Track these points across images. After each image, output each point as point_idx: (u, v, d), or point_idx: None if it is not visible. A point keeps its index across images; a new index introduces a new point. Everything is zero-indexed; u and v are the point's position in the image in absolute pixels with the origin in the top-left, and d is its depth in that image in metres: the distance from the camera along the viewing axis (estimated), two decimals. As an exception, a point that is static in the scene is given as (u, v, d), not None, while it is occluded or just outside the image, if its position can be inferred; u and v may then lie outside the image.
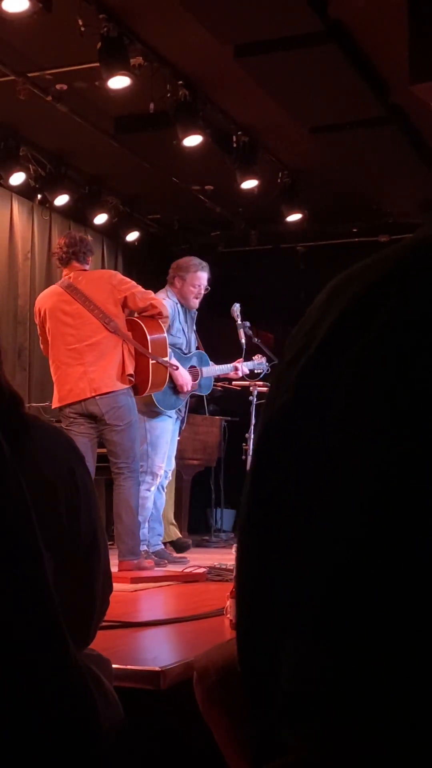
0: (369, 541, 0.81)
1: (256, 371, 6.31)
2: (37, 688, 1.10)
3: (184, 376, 5.80)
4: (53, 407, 5.41)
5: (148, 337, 5.35)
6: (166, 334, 5.50)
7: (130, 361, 5.23)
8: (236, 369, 6.24)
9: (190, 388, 5.84)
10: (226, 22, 5.72)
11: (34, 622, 1.12)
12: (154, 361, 5.31)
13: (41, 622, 1.13)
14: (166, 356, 5.44)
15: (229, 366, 6.25)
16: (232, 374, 6.30)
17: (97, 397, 5.11)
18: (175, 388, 5.76)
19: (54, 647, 1.14)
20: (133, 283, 5.39)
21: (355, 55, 6.14)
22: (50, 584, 1.14)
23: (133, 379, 5.22)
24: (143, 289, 5.38)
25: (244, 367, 6.26)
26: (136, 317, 5.42)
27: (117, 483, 5.17)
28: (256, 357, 6.33)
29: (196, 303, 6.03)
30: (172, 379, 5.69)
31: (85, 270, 5.37)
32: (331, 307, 0.90)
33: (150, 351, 5.31)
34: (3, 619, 1.08)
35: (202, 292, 6.02)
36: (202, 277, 6.00)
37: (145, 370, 5.32)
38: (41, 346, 5.53)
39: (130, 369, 5.20)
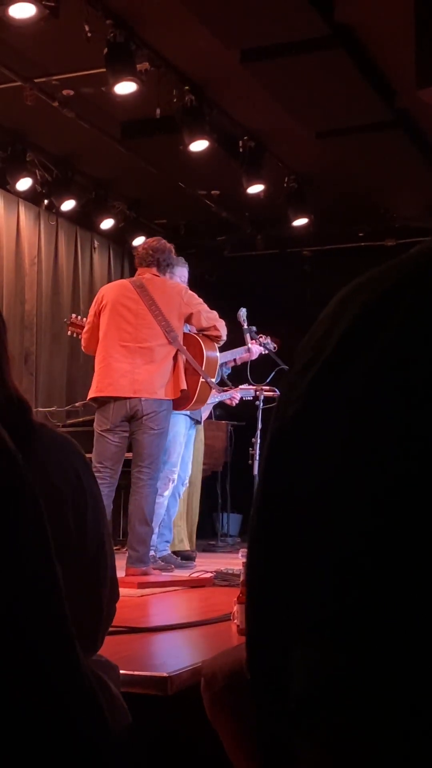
0: (379, 546, 0.81)
1: (264, 352, 6.37)
2: (46, 695, 1.10)
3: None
4: (88, 398, 5.34)
5: (204, 354, 5.38)
6: (218, 354, 5.53)
7: (184, 375, 5.22)
8: (251, 350, 6.27)
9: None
10: (232, 27, 5.72)
11: (45, 629, 1.12)
12: (203, 380, 5.33)
13: (52, 630, 1.13)
14: (214, 376, 5.49)
15: (241, 349, 6.26)
16: (245, 356, 6.31)
17: (142, 399, 5.08)
18: None
19: (64, 655, 1.14)
20: (201, 300, 5.40)
21: (361, 59, 6.14)
22: (62, 593, 1.15)
23: (183, 393, 5.22)
24: (209, 309, 5.40)
25: (257, 347, 6.29)
26: (195, 333, 5.44)
27: (135, 488, 5.08)
28: (262, 336, 6.35)
29: None
30: None
31: (157, 277, 5.34)
32: (343, 315, 0.90)
33: (203, 369, 5.34)
34: (16, 627, 1.08)
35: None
36: (185, 271, 5.99)
37: (192, 387, 5.31)
38: (83, 336, 5.42)
39: (184, 384, 5.19)
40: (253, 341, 6.29)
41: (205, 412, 6.53)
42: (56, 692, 1.12)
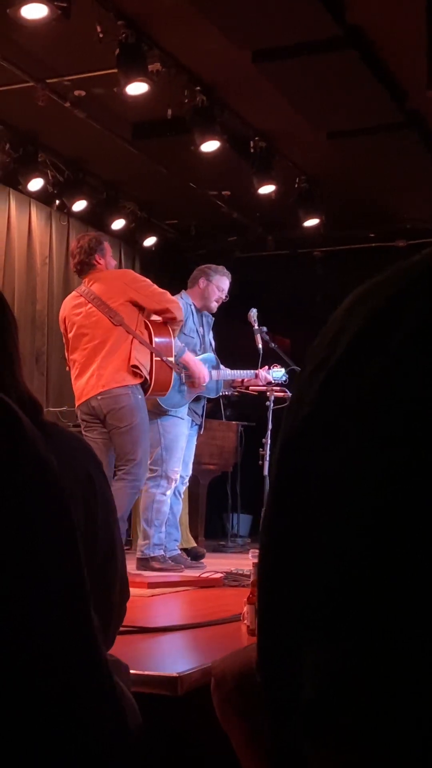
0: (388, 549, 0.80)
1: (274, 382, 6.26)
2: (68, 690, 1.10)
3: (200, 368, 5.75)
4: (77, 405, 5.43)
5: (154, 340, 5.36)
6: (172, 339, 5.49)
7: (137, 353, 5.21)
8: (257, 375, 6.20)
9: (202, 383, 5.78)
10: (243, 28, 5.72)
11: (69, 625, 1.12)
12: (158, 359, 5.31)
13: (76, 626, 1.13)
14: (171, 356, 5.43)
15: (248, 372, 6.21)
16: (252, 380, 6.25)
17: (99, 396, 5.15)
18: (181, 388, 5.72)
19: (88, 653, 1.14)
20: (147, 282, 5.39)
21: (372, 60, 6.13)
22: (88, 591, 1.15)
23: (139, 371, 5.19)
24: (159, 290, 5.38)
25: (267, 375, 6.21)
26: (151, 320, 5.43)
27: (114, 487, 5.14)
28: (275, 366, 6.29)
29: (215, 306, 6.02)
30: (180, 380, 5.68)
31: (99, 271, 5.37)
32: (353, 317, 0.90)
33: (154, 348, 5.32)
34: (44, 623, 1.08)
35: (224, 298, 6.02)
36: (227, 283, 6.02)
37: (151, 370, 5.32)
38: (66, 355, 5.54)
39: (135, 360, 5.18)
40: (263, 368, 6.20)
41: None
42: (79, 687, 1.12)
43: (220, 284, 5.99)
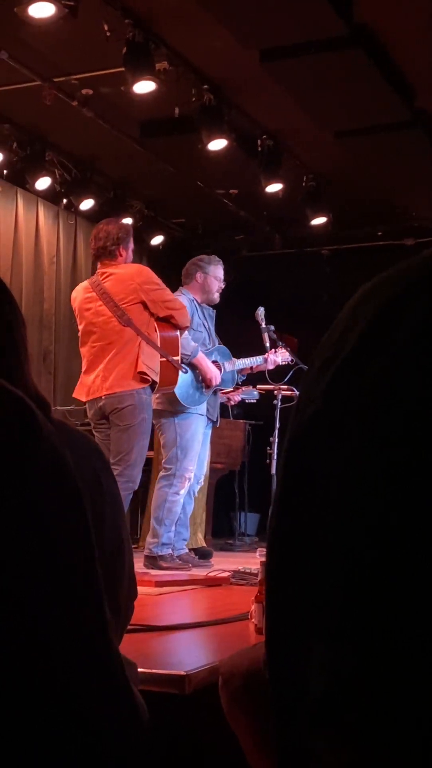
0: (394, 547, 0.80)
1: (282, 363, 6.34)
2: (81, 683, 1.11)
3: (211, 370, 5.77)
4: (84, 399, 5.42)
5: (158, 335, 5.34)
6: (178, 333, 5.48)
7: (145, 356, 5.18)
8: (266, 360, 6.23)
9: (214, 384, 5.80)
10: (251, 27, 5.72)
11: (85, 622, 1.12)
12: (163, 359, 5.30)
13: (93, 623, 1.14)
14: (177, 356, 5.42)
15: (258, 358, 6.23)
16: (261, 366, 6.29)
17: (104, 396, 5.15)
18: (199, 384, 5.72)
19: (102, 648, 1.15)
20: (159, 285, 5.34)
21: (380, 59, 6.12)
22: (102, 586, 1.15)
23: (147, 377, 5.17)
24: (167, 296, 5.35)
25: (276, 357, 6.25)
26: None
27: None
28: (279, 349, 6.33)
29: (217, 297, 6.03)
30: (195, 377, 5.68)
31: (115, 264, 5.34)
32: (360, 316, 0.90)
33: (161, 348, 5.31)
34: (58, 617, 1.09)
35: (222, 286, 6.04)
36: (222, 270, 6.05)
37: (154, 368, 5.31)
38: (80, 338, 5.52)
39: (142, 366, 5.14)
40: (271, 351, 6.26)
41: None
42: (93, 682, 1.12)
43: (217, 274, 6.00)
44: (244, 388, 6.60)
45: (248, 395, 6.61)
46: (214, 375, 5.76)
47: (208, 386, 5.77)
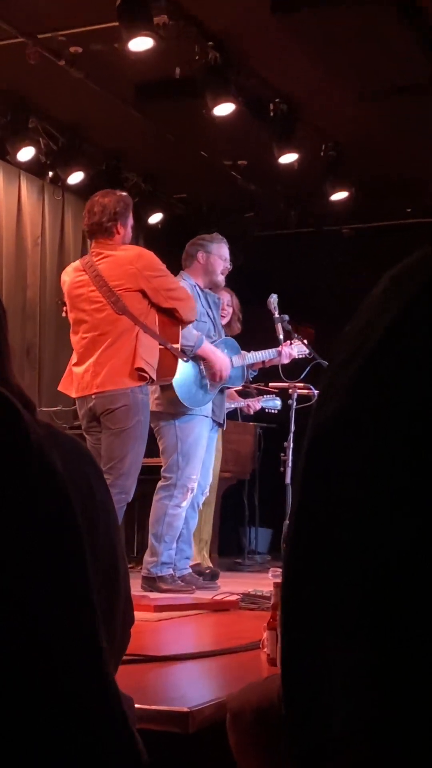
0: (424, 560, 0.81)
1: (298, 356, 6.33)
2: (76, 713, 1.11)
3: (219, 360, 5.75)
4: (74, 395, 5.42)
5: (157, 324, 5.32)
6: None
7: (144, 349, 5.14)
8: (280, 353, 6.22)
9: (225, 376, 5.77)
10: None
11: (78, 647, 1.13)
12: (161, 346, 5.28)
13: (86, 649, 1.14)
14: (177, 344, 5.39)
15: (271, 351, 6.22)
16: (275, 360, 6.28)
17: (94, 395, 5.15)
18: (203, 382, 5.70)
19: (97, 677, 1.15)
20: (162, 271, 5.31)
21: (409, 11, 6.11)
22: (97, 608, 1.16)
23: (145, 374, 5.13)
24: (171, 284, 5.32)
25: (291, 350, 6.24)
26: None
27: None
28: (295, 341, 6.33)
29: (222, 280, 6.03)
30: (200, 372, 5.66)
31: (112, 245, 5.31)
32: (390, 303, 0.90)
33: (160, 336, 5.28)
34: (48, 641, 1.09)
35: (229, 267, 6.03)
36: (227, 249, 6.03)
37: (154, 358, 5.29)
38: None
39: (140, 362, 5.10)
40: (285, 344, 6.26)
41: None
42: (89, 715, 1.13)
43: (221, 253, 5.99)
44: (265, 396, 6.60)
45: (269, 403, 6.60)
46: (224, 366, 5.74)
47: (219, 379, 5.74)
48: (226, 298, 6.45)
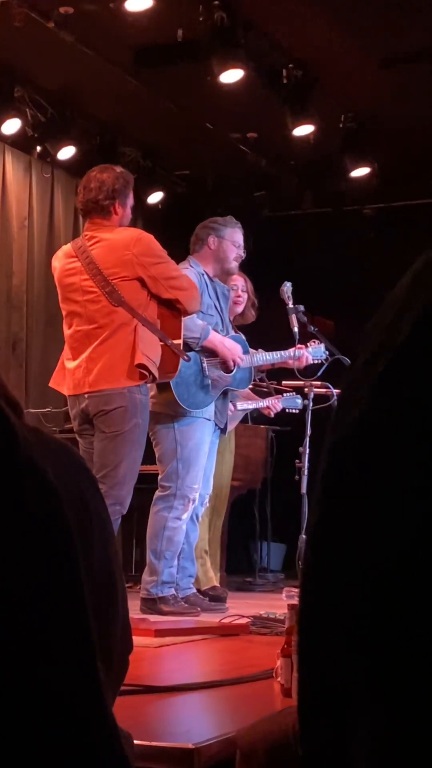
0: None
1: (314, 362, 6.31)
2: (71, 743, 1.12)
3: (229, 349, 5.76)
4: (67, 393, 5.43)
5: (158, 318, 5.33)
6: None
7: (144, 344, 5.12)
8: (300, 357, 6.20)
9: (237, 364, 5.77)
10: None
11: (73, 675, 1.14)
12: (162, 343, 5.24)
13: (82, 677, 1.15)
14: (179, 339, 5.37)
15: (287, 353, 6.20)
16: (290, 362, 6.26)
17: (87, 395, 5.14)
18: (204, 381, 5.68)
19: (94, 707, 1.16)
20: (162, 257, 5.29)
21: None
22: (93, 632, 1.16)
23: (146, 372, 5.11)
24: (174, 272, 5.31)
25: (307, 354, 6.23)
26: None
27: None
28: (311, 342, 6.32)
29: (235, 267, 6.02)
30: (201, 370, 5.64)
31: (108, 226, 5.30)
32: (418, 295, 0.90)
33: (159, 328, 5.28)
34: (41, 666, 1.10)
35: (242, 255, 6.03)
36: (241, 235, 6.03)
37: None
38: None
39: (141, 358, 5.08)
40: (300, 346, 6.23)
41: (234, 421, 6.52)
42: (85, 749, 1.13)
43: (234, 238, 5.98)
44: (285, 394, 6.58)
45: (290, 402, 6.57)
46: (236, 354, 5.74)
47: (234, 365, 5.75)
48: (240, 283, 6.43)
